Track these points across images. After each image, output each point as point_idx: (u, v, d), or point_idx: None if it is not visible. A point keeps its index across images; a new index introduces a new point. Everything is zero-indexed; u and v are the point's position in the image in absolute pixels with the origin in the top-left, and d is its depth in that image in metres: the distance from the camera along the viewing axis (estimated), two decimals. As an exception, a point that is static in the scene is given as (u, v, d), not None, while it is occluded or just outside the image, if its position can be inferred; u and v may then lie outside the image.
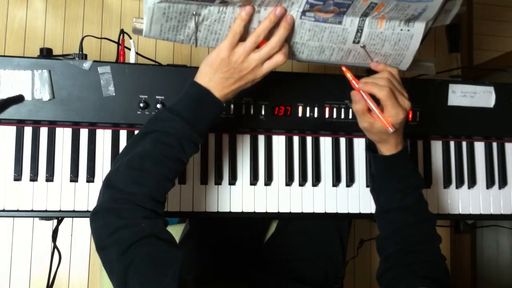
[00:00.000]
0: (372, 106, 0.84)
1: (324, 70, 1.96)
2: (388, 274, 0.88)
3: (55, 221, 1.18)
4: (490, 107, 1.14)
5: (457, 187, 1.16)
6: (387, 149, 0.89)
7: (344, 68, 0.88)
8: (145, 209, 0.75)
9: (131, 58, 1.09)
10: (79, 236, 1.89)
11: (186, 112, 0.80)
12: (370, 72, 0.89)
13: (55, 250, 1.17)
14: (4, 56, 0.95)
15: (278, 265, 1.15)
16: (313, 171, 1.09)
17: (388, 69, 0.87)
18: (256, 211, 1.05)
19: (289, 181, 1.07)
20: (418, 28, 0.87)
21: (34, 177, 0.97)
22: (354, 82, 0.85)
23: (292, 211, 1.07)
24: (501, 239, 1.98)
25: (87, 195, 0.99)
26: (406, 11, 0.82)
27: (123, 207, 0.74)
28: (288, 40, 0.84)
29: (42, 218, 1.08)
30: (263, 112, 1.04)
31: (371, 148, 0.94)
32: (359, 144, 1.11)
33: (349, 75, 0.86)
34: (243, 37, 0.80)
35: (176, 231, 1.24)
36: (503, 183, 1.17)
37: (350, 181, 1.10)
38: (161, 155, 0.78)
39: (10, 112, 0.95)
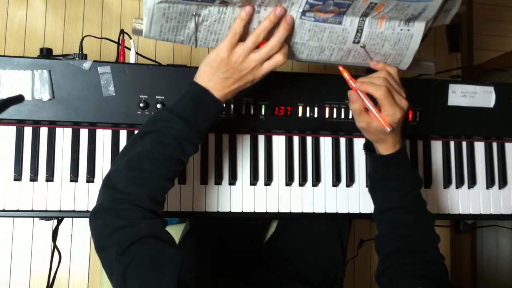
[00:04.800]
0: (369, 105, 0.84)
1: (324, 70, 1.96)
2: (387, 273, 0.88)
3: (55, 221, 1.18)
4: (490, 107, 1.14)
5: (457, 187, 1.16)
6: (384, 148, 0.89)
7: (341, 68, 0.88)
8: (144, 209, 0.75)
9: (131, 58, 1.09)
10: (79, 236, 1.90)
11: (185, 112, 0.80)
12: (370, 71, 0.89)
13: (55, 250, 1.17)
14: (4, 56, 0.95)
15: (278, 265, 1.15)
16: (313, 171, 1.09)
17: (387, 68, 0.87)
18: (256, 211, 1.05)
19: (289, 181, 1.07)
20: (418, 28, 0.87)
21: (34, 177, 0.97)
22: (351, 82, 0.85)
23: (292, 211, 1.07)
24: (501, 239, 1.98)
25: (87, 195, 0.99)
26: (406, 11, 0.82)
27: (123, 207, 0.74)
28: (288, 40, 0.84)
29: (42, 218, 1.08)
30: (263, 112, 1.04)
31: (369, 147, 0.94)
32: (359, 144, 1.11)
33: (345, 75, 0.86)
34: (243, 37, 0.80)
35: (176, 231, 1.24)
36: (503, 183, 1.17)
37: (350, 181, 1.10)
38: (160, 155, 0.78)
39: (10, 112, 0.95)
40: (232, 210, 1.05)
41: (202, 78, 0.81)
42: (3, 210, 0.96)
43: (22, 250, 1.86)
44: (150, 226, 0.74)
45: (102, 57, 1.97)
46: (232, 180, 1.05)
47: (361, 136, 1.04)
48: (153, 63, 1.10)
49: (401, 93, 0.85)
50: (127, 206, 0.74)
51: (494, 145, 1.18)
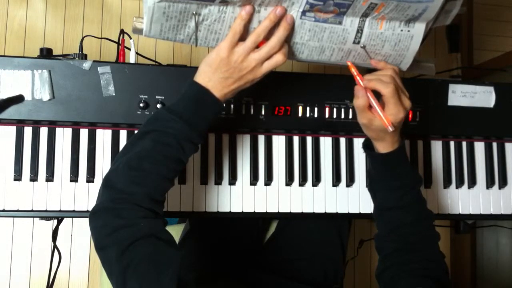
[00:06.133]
0: (374, 103, 0.83)
1: (324, 70, 1.96)
2: (387, 273, 0.88)
3: (55, 221, 1.18)
4: (490, 107, 1.14)
5: (457, 187, 1.16)
6: (383, 147, 0.89)
7: (349, 63, 0.88)
8: (144, 209, 0.75)
9: (131, 58, 1.09)
10: (79, 236, 1.89)
11: (185, 112, 0.80)
12: (370, 72, 0.88)
13: (55, 250, 1.17)
14: (4, 56, 0.95)
15: (278, 265, 1.15)
16: (313, 171, 1.09)
17: (389, 66, 0.87)
18: (256, 211, 1.05)
19: (289, 181, 1.07)
20: (418, 29, 0.87)
21: (34, 177, 0.97)
22: (358, 78, 0.85)
23: (292, 211, 1.07)
24: (501, 239, 1.98)
25: (87, 195, 0.99)
26: (406, 12, 0.82)
27: (122, 207, 0.74)
28: (288, 40, 0.84)
29: (42, 218, 1.08)
30: (263, 112, 1.04)
31: (368, 146, 0.94)
32: (359, 144, 1.11)
33: (353, 70, 0.86)
34: (243, 37, 0.80)
35: (176, 231, 1.24)
36: (503, 183, 1.17)
37: (350, 181, 1.10)
38: (160, 155, 0.78)
39: (10, 112, 0.95)
40: (232, 210, 1.04)
41: (202, 77, 0.81)
42: (3, 210, 0.96)
43: (22, 250, 1.86)
44: (150, 225, 0.74)
45: (102, 57, 1.97)
46: (232, 180, 1.05)
47: (361, 136, 1.04)
48: (153, 63, 1.10)
49: (405, 92, 0.85)
50: (127, 205, 0.74)
51: (494, 145, 1.18)
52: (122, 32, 1.13)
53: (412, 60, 0.92)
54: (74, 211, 0.98)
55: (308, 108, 1.06)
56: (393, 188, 0.90)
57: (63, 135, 1.00)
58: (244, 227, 1.20)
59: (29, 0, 1.99)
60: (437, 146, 1.16)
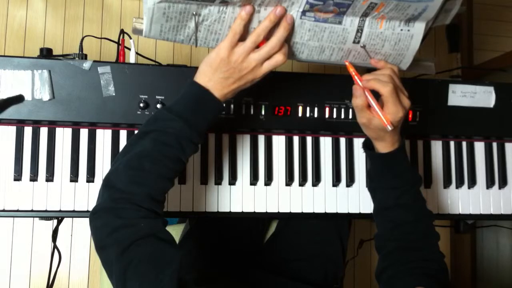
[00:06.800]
0: (373, 103, 0.83)
1: (324, 70, 1.96)
2: (387, 272, 0.88)
3: (55, 221, 1.18)
4: (490, 107, 1.14)
5: (457, 187, 1.16)
6: (383, 146, 0.89)
7: (347, 63, 0.88)
8: (144, 208, 0.75)
9: (131, 58, 1.09)
10: (79, 236, 1.89)
11: (185, 112, 0.80)
12: (370, 71, 0.88)
13: (55, 250, 1.17)
14: (4, 56, 0.95)
15: (278, 265, 1.15)
16: (313, 171, 1.09)
17: (389, 65, 0.87)
18: (256, 211, 1.05)
19: (289, 181, 1.07)
20: (418, 28, 0.87)
21: (34, 177, 0.97)
22: (356, 78, 0.85)
23: (292, 211, 1.07)
24: (501, 239, 1.98)
25: (87, 195, 0.99)
26: (406, 11, 0.82)
27: (122, 207, 0.74)
28: (288, 40, 0.84)
29: (42, 218, 1.08)
30: (263, 112, 1.04)
31: (367, 145, 0.94)
32: (359, 144, 1.11)
33: (351, 70, 0.86)
34: (243, 37, 0.80)
35: (176, 231, 1.24)
36: (503, 183, 1.17)
37: (350, 181, 1.10)
38: (160, 154, 0.78)
39: (10, 112, 0.95)
40: (232, 210, 1.04)
41: (202, 78, 0.81)
42: (3, 210, 0.96)
43: (22, 250, 1.86)
44: (150, 225, 0.74)
45: (102, 57, 1.97)
46: (232, 180, 1.05)
47: (361, 136, 1.04)
48: (153, 63, 1.10)
49: (404, 92, 0.85)
50: (127, 205, 0.74)
51: (494, 145, 1.18)
52: (122, 32, 1.13)
53: (412, 60, 0.92)
54: (74, 211, 0.98)
55: (308, 108, 1.06)
56: (393, 187, 0.90)
57: (63, 135, 1.00)
58: (244, 227, 1.20)
59: (29, 0, 1.99)
60: (437, 146, 1.16)
